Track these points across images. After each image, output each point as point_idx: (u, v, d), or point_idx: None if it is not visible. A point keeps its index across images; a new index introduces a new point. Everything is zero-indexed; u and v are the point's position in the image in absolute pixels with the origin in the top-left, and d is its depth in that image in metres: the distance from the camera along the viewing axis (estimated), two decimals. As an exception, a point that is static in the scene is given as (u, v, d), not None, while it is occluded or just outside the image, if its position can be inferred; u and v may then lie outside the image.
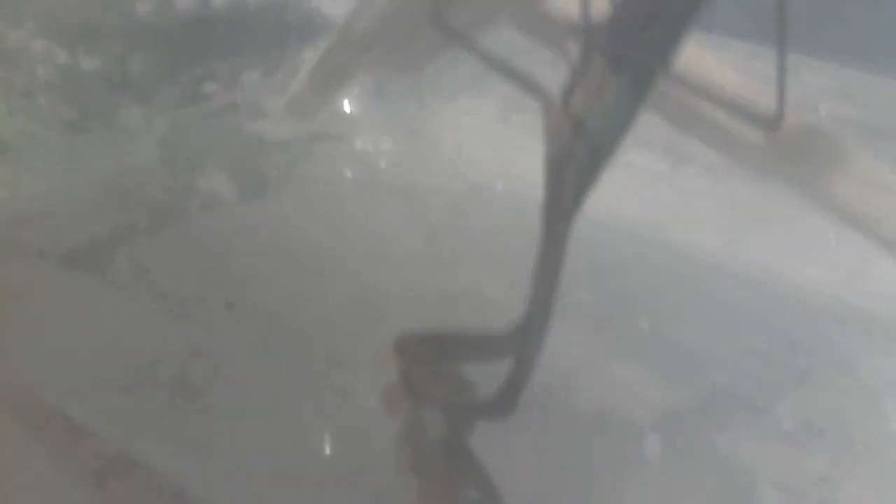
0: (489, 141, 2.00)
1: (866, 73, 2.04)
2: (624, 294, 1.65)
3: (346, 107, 2.04)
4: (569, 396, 1.37)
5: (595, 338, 1.51)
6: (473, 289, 1.61)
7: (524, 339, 1.25)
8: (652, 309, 1.61)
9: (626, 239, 1.77)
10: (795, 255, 1.71)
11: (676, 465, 1.29)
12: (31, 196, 1.74)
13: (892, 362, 1.52)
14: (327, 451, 1.28)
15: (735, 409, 1.42)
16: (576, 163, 1.19)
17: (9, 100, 1.94)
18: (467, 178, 1.91)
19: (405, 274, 1.63)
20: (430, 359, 1.30)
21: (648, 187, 1.86)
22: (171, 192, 1.82)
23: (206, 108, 2.01)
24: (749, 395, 1.44)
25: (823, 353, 1.54)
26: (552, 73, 1.16)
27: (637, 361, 1.49)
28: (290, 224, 1.77)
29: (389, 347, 1.28)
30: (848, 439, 1.39)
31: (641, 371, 1.46)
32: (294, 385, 1.36)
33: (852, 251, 1.67)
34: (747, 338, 1.57)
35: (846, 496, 1.30)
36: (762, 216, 1.75)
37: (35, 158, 1.86)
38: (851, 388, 1.48)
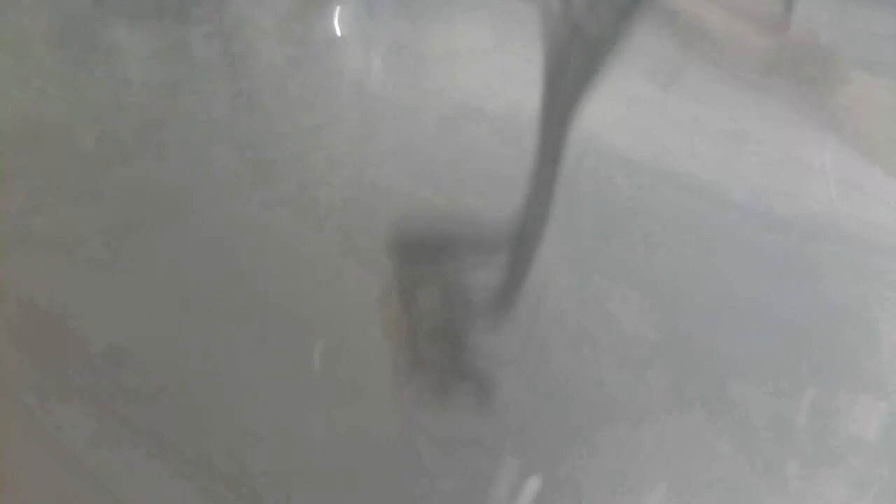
0: (483, 64, 1.99)
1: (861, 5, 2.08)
2: (618, 220, 1.64)
3: (337, 28, 2.03)
4: (560, 316, 1.35)
5: (586, 263, 1.50)
6: (464, 208, 1.59)
7: (520, 242, 1.26)
8: (646, 235, 1.60)
9: (619, 166, 1.76)
10: (791, 180, 1.72)
11: (671, 385, 1.28)
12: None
13: (893, 280, 1.53)
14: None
15: (731, 326, 1.41)
16: (573, 67, 1.20)
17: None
18: (459, 101, 1.90)
19: (393, 193, 1.61)
20: (425, 258, 1.30)
21: (641, 114, 1.86)
22: (158, 111, 1.79)
23: (194, 29, 1.99)
24: (746, 313, 1.44)
25: (819, 276, 1.55)
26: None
27: (630, 286, 1.48)
28: (278, 144, 1.75)
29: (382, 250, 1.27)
30: (846, 340, 1.39)
31: (635, 295, 1.45)
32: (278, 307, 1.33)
33: (848, 175, 1.70)
34: (743, 262, 1.57)
35: (846, 388, 1.29)
36: (757, 142, 1.76)
37: (18, 75, 1.82)
38: (848, 307, 1.49)
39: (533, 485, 1.00)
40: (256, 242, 1.37)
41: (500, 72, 1.97)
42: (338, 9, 1.95)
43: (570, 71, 1.20)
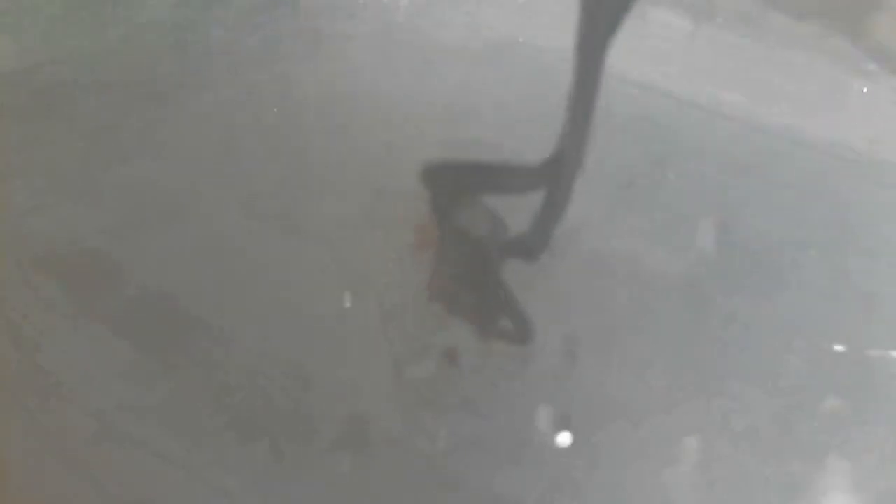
0: None
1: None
2: (649, 149, 1.62)
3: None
4: (591, 245, 1.35)
5: (618, 191, 1.49)
6: (499, 143, 1.57)
7: (558, 173, 1.25)
8: (677, 164, 1.58)
9: (650, 95, 1.73)
10: (825, 109, 1.67)
11: (695, 317, 1.27)
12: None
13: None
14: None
15: (760, 262, 1.39)
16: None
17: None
18: (487, 33, 1.87)
19: (421, 125, 1.60)
20: (461, 188, 1.30)
21: (673, 43, 1.81)
22: (181, 52, 1.77)
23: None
24: (776, 247, 1.42)
25: (854, 207, 1.52)
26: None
27: (661, 214, 1.47)
28: (302, 78, 1.73)
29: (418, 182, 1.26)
30: (877, 293, 1.35)
31: (666, 223, 1.44)
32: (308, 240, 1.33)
33: (884, 105, 1.64)
34: (776, 191, 1.55)
35: (873, 341, 1.27)
36: (790, 71, 1.71)
37: (38, 21, 1.80)
38: (880, 241, 1.46)
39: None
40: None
41: (530, 6, 1.93)
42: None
43: (605, 3, 1.17)
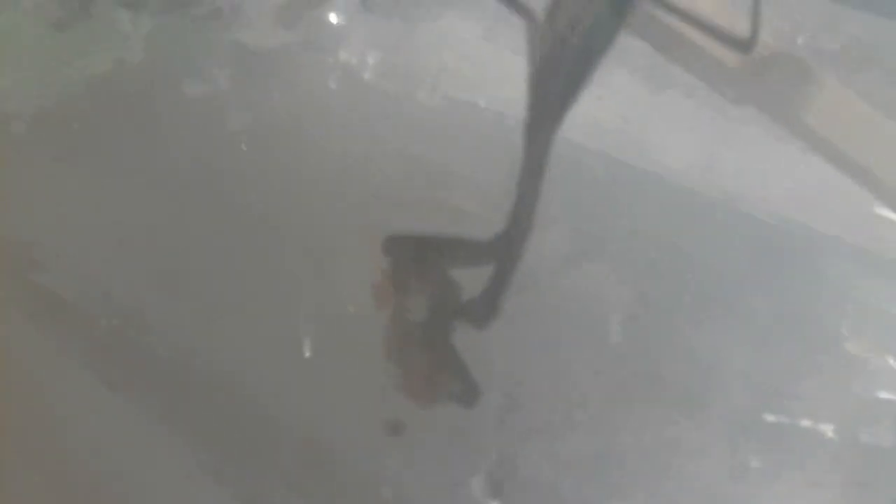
0: (473, 58, 2.00)
1: (847, 6, 2.05)
2: (598, 212, 1.67)
3: (332, 18, 2.04)
4: (543, 297, 1.39)
5: (569, 248, 1.54)
6: (454, 202, 1.62)
7: (506, 248, 1.30)
8: (625, 227, 1.64)
9: (602, 160, 1.79)
10: (766, 181, 1.74)
11: (646, 358, 1.35)
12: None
13: (856, 284, 1.58)
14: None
15: (703, 312, 1.46)
16: (558, 77, 1.22)
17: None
18: (450, 95, 1.92)
19: (383, 184, 1.66)
20: (416, 259, 1.34)
21: (627, 110, 1.88)
22: (155, 96, 1.82)
23: (191, 13, 2.00)
24: (718, 299, 1.48)
25: (790, 274, 1.60)
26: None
27: (610, 272, 1.52)
28: (271, 134, 1.78)
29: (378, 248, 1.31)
30: (809, 339, 1.44)
31: (613, 280, 1.49)
32: (273, 292, 1.38)
33: (820, 179, 1.72)
34: (717, 256, 1.61)
35: (808, 387, 1.35)
36: (738, 143, 1.78)
37: (19, 56, 1.86)
38: (815, 297, 1.54)
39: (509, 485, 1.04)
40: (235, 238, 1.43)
41: (488, 66, 1.99)
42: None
43: (556, 81, 1.23)
